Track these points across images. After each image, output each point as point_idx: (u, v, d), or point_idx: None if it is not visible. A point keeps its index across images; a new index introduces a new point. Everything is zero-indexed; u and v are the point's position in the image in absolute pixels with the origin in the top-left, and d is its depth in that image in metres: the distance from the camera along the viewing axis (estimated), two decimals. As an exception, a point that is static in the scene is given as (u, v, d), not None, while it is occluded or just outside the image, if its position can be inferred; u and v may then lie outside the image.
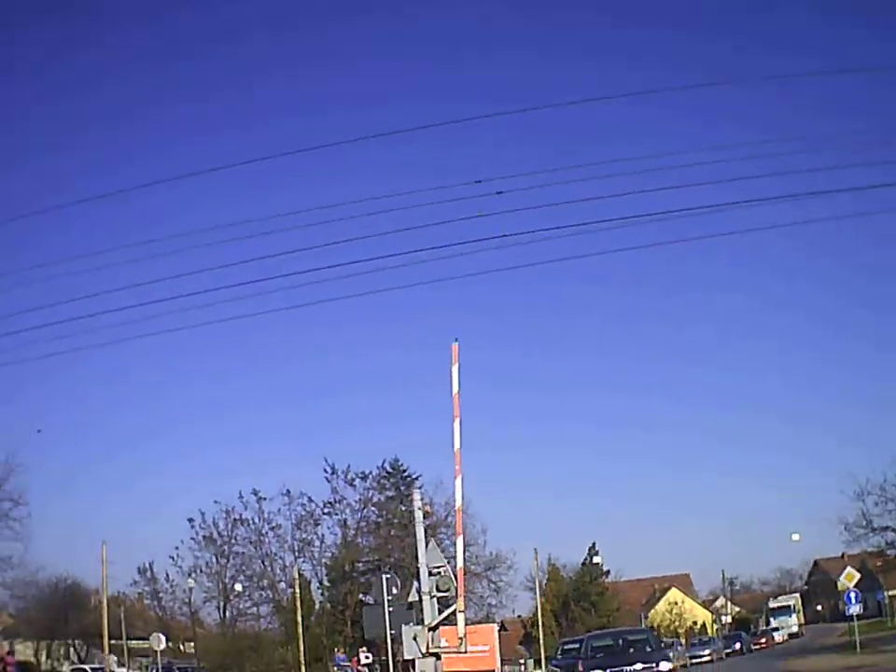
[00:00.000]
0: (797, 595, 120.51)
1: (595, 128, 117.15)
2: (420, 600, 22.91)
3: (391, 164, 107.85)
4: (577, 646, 41.22)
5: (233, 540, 69.57)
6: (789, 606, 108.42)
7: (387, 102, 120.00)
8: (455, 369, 21.12)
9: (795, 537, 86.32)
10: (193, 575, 68.94)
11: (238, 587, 68.96)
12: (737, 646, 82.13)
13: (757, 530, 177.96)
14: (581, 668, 31.85)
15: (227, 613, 71.08)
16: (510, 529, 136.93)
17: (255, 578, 69.73)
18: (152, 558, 74.09)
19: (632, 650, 31.66)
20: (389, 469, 71.47)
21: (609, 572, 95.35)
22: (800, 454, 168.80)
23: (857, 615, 50.89)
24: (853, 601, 50.62)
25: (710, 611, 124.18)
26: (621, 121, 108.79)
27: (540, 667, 66.94)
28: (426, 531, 24.23)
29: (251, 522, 68.67)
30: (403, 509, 64.95)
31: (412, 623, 22.85)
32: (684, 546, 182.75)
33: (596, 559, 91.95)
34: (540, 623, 72.15)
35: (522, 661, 73.23)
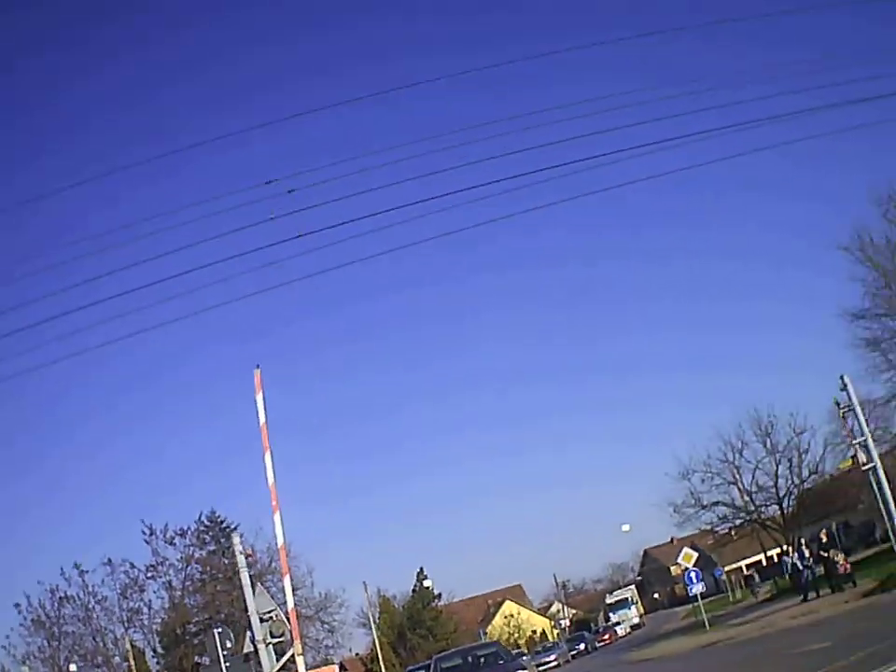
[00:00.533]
0: (632, 587, 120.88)
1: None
2: (255, 650, 20.97)
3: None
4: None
5: (62, 620, 65.15)
6: (626, 598, 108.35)
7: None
8: (259, 397, 19.97)
9: (625, 528, 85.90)
10: (27, 662, 64.13)
11: (73, 668, 64.24)
12: (582, 646, 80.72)
13: (582, 530, 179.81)
14: None
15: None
16: (335, 567, 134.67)
17: (88, 656, 65.58)
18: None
19: (484, 664, 29.06)
20: (207, 522, 68.12)
21: (440, 595, 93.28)
22: (617, 447, 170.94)
23: (699, 594, 49.51)
24: (694, 581, 49.17)
25: (547, 618, 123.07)
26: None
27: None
28: (251, 578, 22.32)
29: (76, 598, 64.45)
30: (226, 562, 62.19)
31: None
32: (512, 558, 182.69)
33: (427, 583, 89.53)
34: (380, 657, 69.52)
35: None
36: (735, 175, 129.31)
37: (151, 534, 64.27)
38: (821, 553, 34.10)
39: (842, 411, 28.19)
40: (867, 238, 43.96)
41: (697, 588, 49.09)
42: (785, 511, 57.99)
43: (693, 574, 49.41)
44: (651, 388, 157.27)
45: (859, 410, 28.48)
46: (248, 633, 21.46)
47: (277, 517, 19.86)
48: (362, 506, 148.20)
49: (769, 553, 73.45)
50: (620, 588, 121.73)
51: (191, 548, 66.62)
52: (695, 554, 51.57)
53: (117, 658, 65.09)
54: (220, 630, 22.78)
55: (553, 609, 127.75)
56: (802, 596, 37.28)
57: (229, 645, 22.30)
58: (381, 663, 68.85)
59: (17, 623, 64.09)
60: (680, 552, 52.77)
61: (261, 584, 62.18)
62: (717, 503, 59.82)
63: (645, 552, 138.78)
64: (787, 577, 36.13)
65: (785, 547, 54.00)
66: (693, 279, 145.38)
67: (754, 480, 59.15)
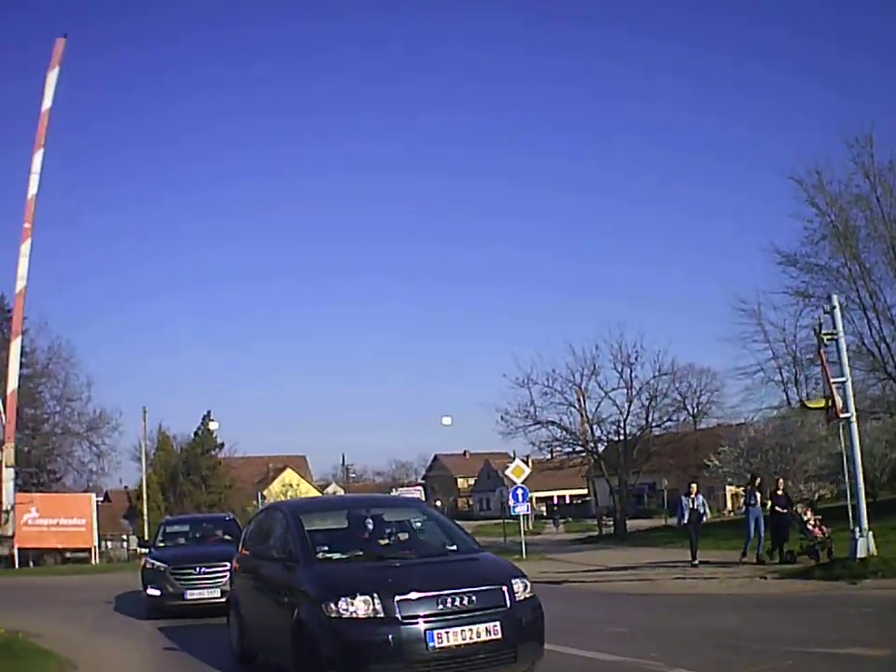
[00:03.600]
0: (420, 487, 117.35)
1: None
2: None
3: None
4: (185, 528, 29.19)
5: None
6: (416, 497, 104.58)
7: None
8: (53, 74, 18.41)
9: (446, 420, 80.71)
10: None
11: None
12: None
13: (380, 419, 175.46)
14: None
15: None
16: (118, 387, 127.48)
17: None
18: None
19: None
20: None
21: (223, 445, 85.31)
22: (457, 340, 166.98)
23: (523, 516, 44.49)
24: (520, 498, 43.61)
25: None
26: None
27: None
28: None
29: None
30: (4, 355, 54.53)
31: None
32: (300, 428, 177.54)
33: (213, 425, 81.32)
34: (146, 496, 62.92)
35: (125, 537, 64.04)
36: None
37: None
38: (777, 507, 27.41)
39: (825, 337, 22.38)
40: (825, 177, 38.58)
41: (522, 508, 43.64)
42: (629, 452, 53.58)
43: (519, 491, 44.10)
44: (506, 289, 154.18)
45: (843, 343, 22.96)
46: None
47: (26, 247, 13.90)
48: (156, 331, 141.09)
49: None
50: (403, 486, 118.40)
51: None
52: (527, 470, 46.17)
53: None
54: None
55: (330, 489, 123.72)
56: (692, 556, 29.61)
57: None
58: (145, 502, 62.26)
59: None
60: (512, 462, 47.27)
61: (34, 391, 54.80)
62: (552, 423, 54.78)
63: (435, 457, 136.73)
64: (681, 525, 28.77)
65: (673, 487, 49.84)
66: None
67: (599, 409, 54.58)
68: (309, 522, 12.06)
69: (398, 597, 9.61)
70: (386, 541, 12.01)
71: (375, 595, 9.64)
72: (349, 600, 9.64)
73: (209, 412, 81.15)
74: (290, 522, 11.94)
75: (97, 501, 52.14)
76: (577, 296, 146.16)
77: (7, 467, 11.88)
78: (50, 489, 56.03)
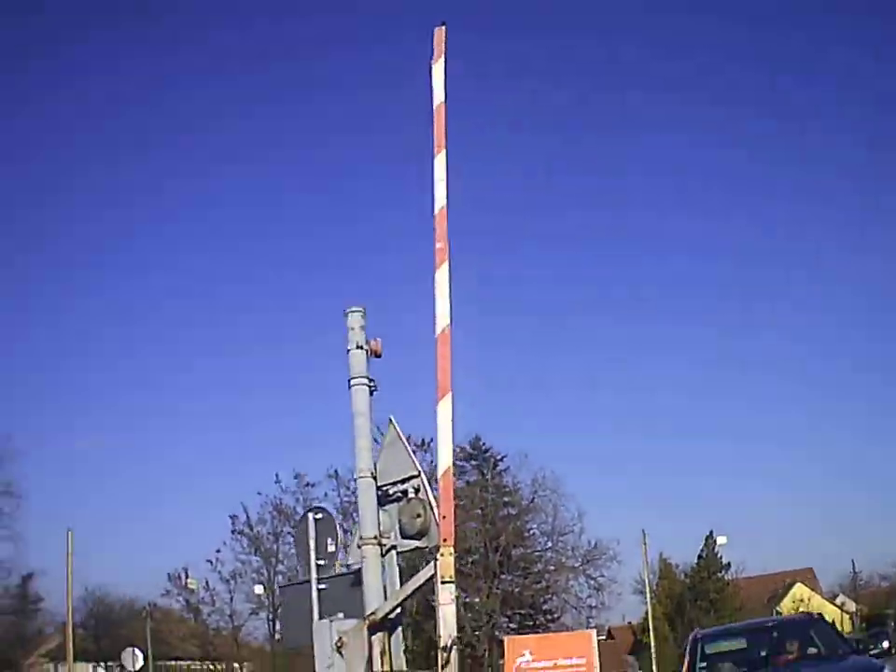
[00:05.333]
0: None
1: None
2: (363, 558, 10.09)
3: None
4: (740, 644, 16.65)
5: (280, 539, 59.02)
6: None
7: None
8: (438, 66, 11.31)
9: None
10: (232, 582, 58.66)
11: (258, 590, 59.13)
12: (885, 644, 65.22)
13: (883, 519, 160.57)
14: None
15: (276, 626, 59.03)
16: (608, 517, 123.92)
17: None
18: (188, 563, 64.24)
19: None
20: (470, 449, 59.76)
21: (728, 566, 79.55)
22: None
23: None
24: None
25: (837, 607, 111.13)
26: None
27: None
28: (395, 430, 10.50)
29: (294, 512, 56.40)
30: (490, 497, 54.18)
31: (341, 615, 10.22)
32: (803, 537, 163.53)
33: (721, 539, 74.76)
34: (651, 627, 59.62)
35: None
36: None
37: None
38: None
39: None
40: None
41: None
42: None
43: None
44: None
45: None
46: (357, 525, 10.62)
47: (443, 273, 10.32)
48: (646, 452, 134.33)
49: None
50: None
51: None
52: None
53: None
54: (321, 517, 11.98)
55: (837, 601, 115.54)
56: None
57: (331, 548, 11.25)
58: (651, 633, 59.00)
59: (229, 536, 60.07)
60: None
61: (519, 527, 53.25)
62: None
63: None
64: None
65: None
66: None
67: None
68: None
69: None
70: None
71: None
72: None
73: (711, 532, 77.14)
74: None
75: (599, 639, 50.17)
76: None
77: (443, 583, 8.27)
78: (548, 630, 54.33)
